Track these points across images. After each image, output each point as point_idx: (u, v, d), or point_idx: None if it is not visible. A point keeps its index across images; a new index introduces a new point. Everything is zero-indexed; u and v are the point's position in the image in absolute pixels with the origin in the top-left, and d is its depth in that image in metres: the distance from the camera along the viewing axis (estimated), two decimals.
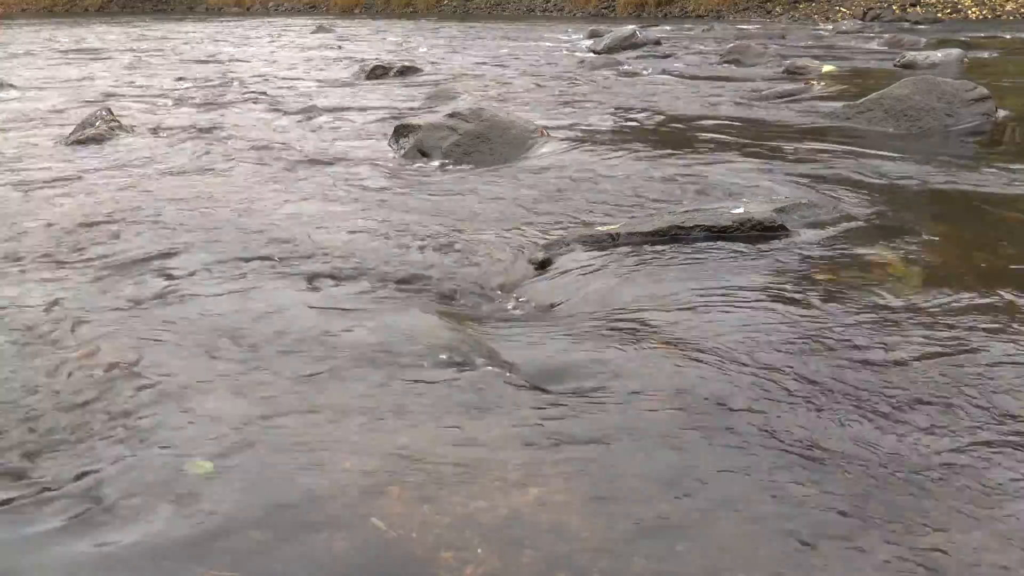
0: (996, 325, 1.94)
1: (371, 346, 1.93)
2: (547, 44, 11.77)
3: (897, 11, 15.76)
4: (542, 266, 2.51)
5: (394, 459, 1.49)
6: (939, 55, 7.52)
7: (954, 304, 2.07)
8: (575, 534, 1.29)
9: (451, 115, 4.19)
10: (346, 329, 2.04)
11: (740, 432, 1.55)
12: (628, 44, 10.02)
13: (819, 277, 2.28)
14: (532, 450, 1.51)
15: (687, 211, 2.72)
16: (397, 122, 4.46)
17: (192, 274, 2.44)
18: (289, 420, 1.62)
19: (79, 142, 4.46)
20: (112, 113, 4.88)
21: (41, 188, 3.54)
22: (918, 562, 1.22)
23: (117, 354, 1.89)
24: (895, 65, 7.63)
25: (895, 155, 3.78)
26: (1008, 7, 15.19)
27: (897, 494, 1.36)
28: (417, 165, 3.90)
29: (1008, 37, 11.19)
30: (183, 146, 4.46)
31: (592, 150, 4.04)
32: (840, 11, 16.60)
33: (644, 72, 7.77)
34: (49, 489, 1.43)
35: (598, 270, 2.41)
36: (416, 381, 1.77)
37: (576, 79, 7.32)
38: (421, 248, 2.68)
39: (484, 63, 9.06)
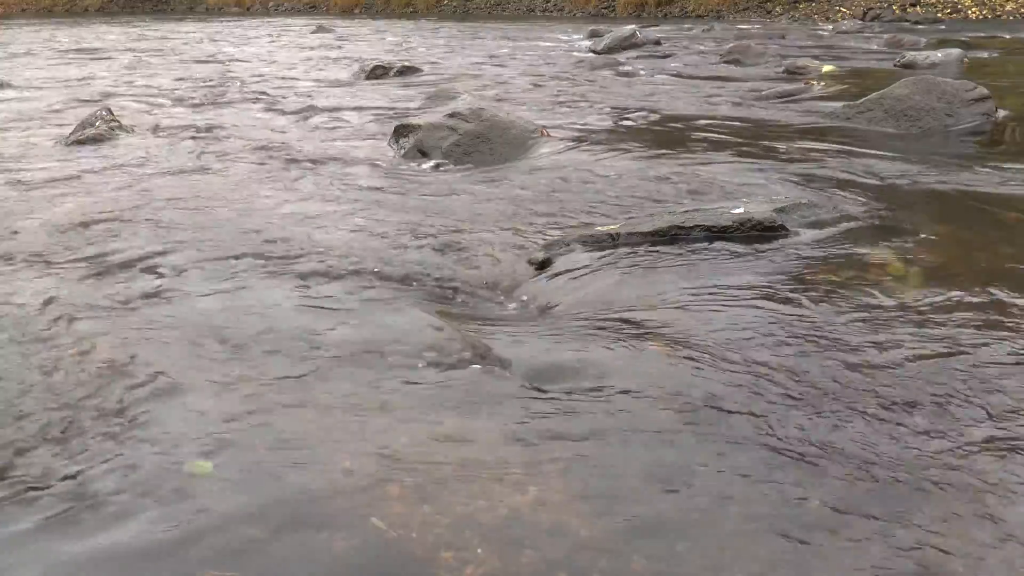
0: (996, 325, 1.94)
1: (370, 346, 1.93)
2: (547, 44, 11.76)
3: (897, 11, 15.76)
4: (542, 266, 2.51)
5: (394, 459, 1.49)
6: (939, 55, 7.52)
7: (954, 304, 2.07)
8: (575, 533, 1.29)
9: (451, 115, 4.19)
10: (345, 329, 2.04)
11: (740, 432, 1.55)
12: (628, 44, 10.02)
13: (819, 277, 2.28)
14: (532, 450, 1.51)
15: (687, 211, 2.72)
16: (397, 122, 4.46)
17: (191, 274, 2.44)
18: (288, 420, 1.62)
19: (79, 142, 4.46)
20: (112, 113, 4.88)
21: (41, 188, 3.54)
22: (915, 560, 1.22)
23: (116, 354, 1.89)
24: (895, 65, 7.63)
25: (895, 155, 3.78)
26: (1008, 7, 15.19)
27: (895, 493, 1.36)
28: (417, 165, 3.90)
29: (1008, 37, 11.19)
30: (183, 146, 4.46)
31: (592, 150, 4.04)
32: (840, 11, 16.60)
33: (644, 72, 7.76)
34: (48, 489, 1.43)
35: (598, 270, 2.41)
36: (416, 381, 1.77)
37: (576, 79, 7.31)
38: (421, 248, 2.68)
39: (484, 63, 9.06)
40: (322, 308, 2.18)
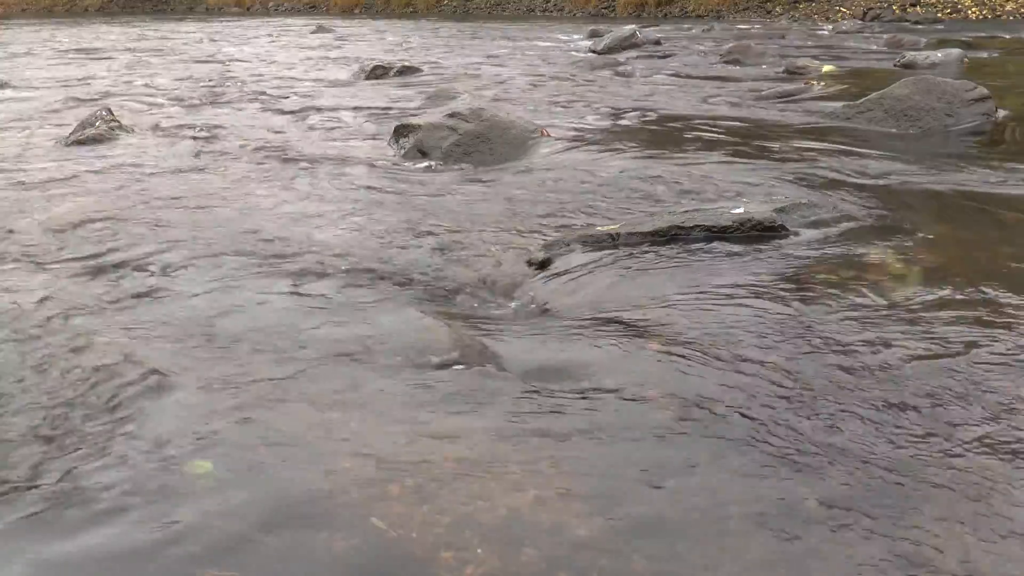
0: (996, 325, 1.94)
1: (369, 346, 1.93)
2: (547, 44, 11.76)
3: (897, 11, 15.75)
4: (542, 266, 2.51)
5: (394, 458, 1.49)
6: (939, 55, 7.52)
7: (954, 304, 2.07)
8: (574, 533, 1.29)
9: (451, 115, 4.19)
10: (344, 328, 2.04)
11: (740, 431, 1.55)
12: (628, 44, 10.01)
13: (819, 277, 2.28)
14: (532, 449, 1.51)
15: (687, 211, 2.72)
16: (397, 122, 4.46)
17: (189, 274, 2.44)
18: (287, 420, 1.62)
19: (79, 142, 4.46)
20: (112, 113, 4.88)
21: (40, 188, 3.54)
22: (913, 559, 1.22)
23: (115, 353, 1.89)
24: (895, 65, 7.63)
25: (895, 155, 3.78)
26: (1008, 7, 15.18)
27: (893, 493, 1.36)
28: (417, 165, 3.90)
29: (1008, 37, 11.19)
30: (183, 146, 4.46)
31: (592, 150, 4.04)
32: (840, 11, 16.59)
33: (644, 72, 7.76)
34: (46, 488, 1.43)
35: (598, 270, 2.41)
36: (415, 381, 1.77)
37: (576, 79, 7.32)
38: (421, 248, 2.68)
39: (484, 63, 9.06)
40: (321, 308, 2.18)
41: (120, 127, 4.74)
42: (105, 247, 2.70)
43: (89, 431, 1.59)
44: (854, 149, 3.92)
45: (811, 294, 2.16)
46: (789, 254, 2.46)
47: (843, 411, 1.60)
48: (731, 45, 9.14)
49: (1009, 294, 2.12)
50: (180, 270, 2.48)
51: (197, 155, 4.23)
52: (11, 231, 2.90)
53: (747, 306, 2.10)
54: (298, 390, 1.74)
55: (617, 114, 5.25)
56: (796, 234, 2.62)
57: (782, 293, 2.17)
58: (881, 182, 3.32)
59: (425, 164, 3.90)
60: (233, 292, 2.30)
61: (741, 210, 2.66)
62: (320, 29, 15.65)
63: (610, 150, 4.05)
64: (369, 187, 3.50)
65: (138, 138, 4.68)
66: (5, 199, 3.36)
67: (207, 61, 9.91)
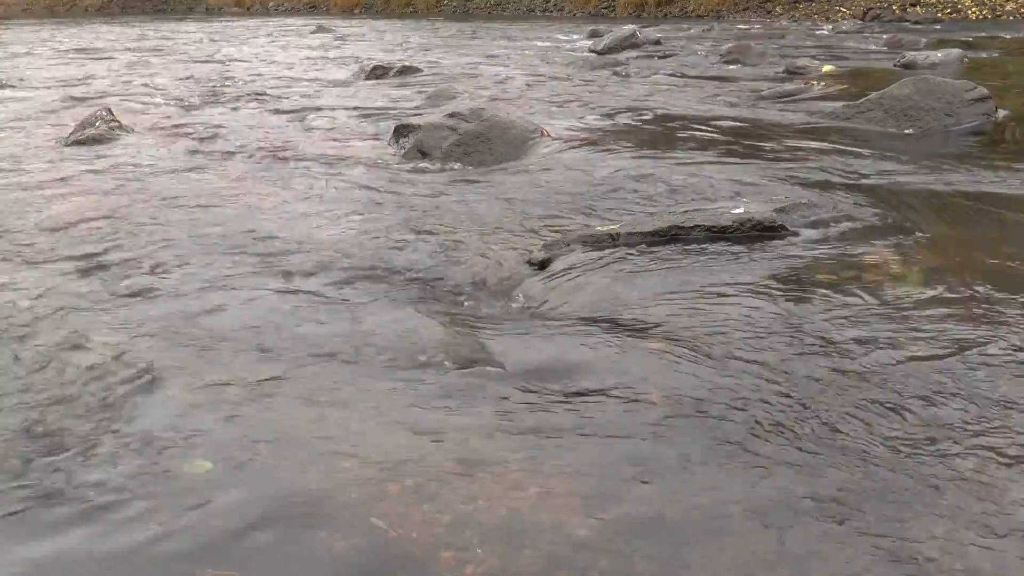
0: (996, 325, 1.94)
1: (369, 345, 1.93)
2: (547, 44, 11.77)
3: (897, 11, 15.76)
4: (542, 266, 2.51)
5: (393, 458, 1.49)
6: (939, 55, 7.52)
7: (954, 304, 2.07)
8: (574, 532, 1.29)
9: (451, 115, 4.19)
10: (345, 328, 2.04)
11: (739, 431, 1.55)
12: (628, 44, 10.01)
13: (819, 277, 2.28)
14: (532, 449, 1.51)
15: (687, 211, 2.72)
16: (397, 122, 4.46)
17: (188, 273, 2.44)
18: (286, 420, 1.63)
19: (79, 142, 4.46)
20: (112, 113, 4.88)
21: (40, 188, 3.54)
22: (913, 558, 1.22)
23: (116, 352, 1.89)
24: (895, 65, 7.63)
25: (895, 155, 3.78)
26: (1008, 7, 15.19)
27: (893, 492, 1.36)
28: (417, 165, 3.90)
29: (1008, 37, 11.19)
30: (182, 146, 4.46)
31: (592, 150, 4.04)
32: (840, 11, 16.59)
33: (644, 72, 7.76)
34: (46, 488, 1.43)
35: (598, 270, 2.41)
36: (415, 380, 1.77)
37: (576, 79, 7.31)
38: (420, 248, 2.68)
39: (484, 63, 9.06)
40: (321, 307, 2.18)
41: (120, 127, 4.74)
42: (104, 247, 2.70)
43: (88, 430, 1.59)
44: (854, 149, 3.92)
45: (811, 294, 2.16)
46: (789, 254, 2.46)
47: (843, 411, 1.60)
48: (731, 45, 9.14)
49: (1009, 294, 2.12)
50: (179, 270, 2.48)
51: (197, 155, 4.23)
52: (10, 231, 2.90)
53: (747, 306, 2.10)
54: (298, 389, 1.74)
55: (617, 114, 5.24)
56: (796, 234, 2.62)
57: (782, 293, 2.17)
58: (881, 182, 3.32)
59: (425, 164, 3.90)
60: (233, 292, 2.30)
61: (741, 210, 2.66)
62: (320, 29, 15.65)
63: (610, 150, 4.05)
64: (369, 187, 3.50)
65: (138, 138, 4.68)
66: (5, 199, 3.36)
67: (207, 61, 9.91)
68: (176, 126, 5.10)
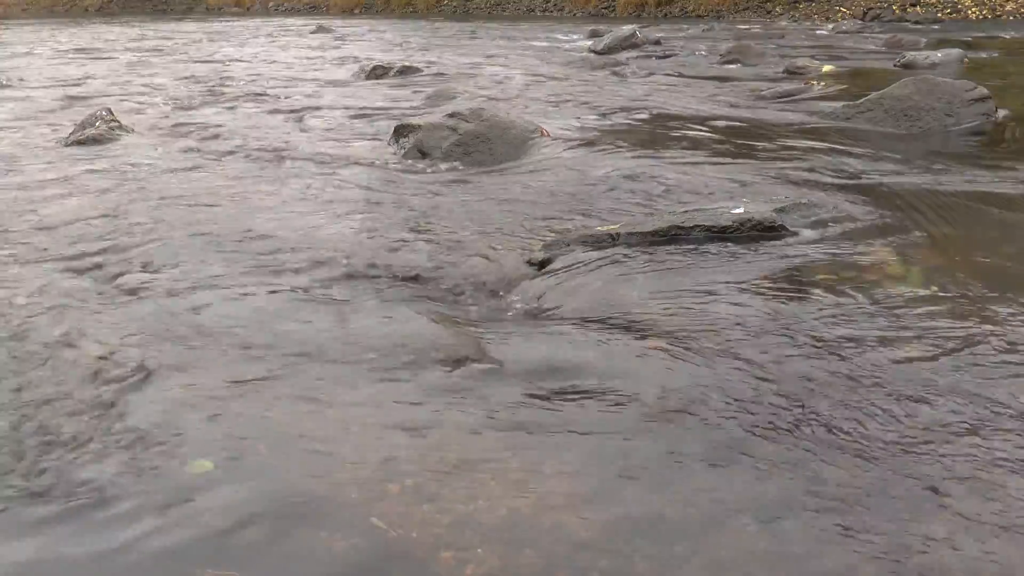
0: (996, 325, 1.94)
1: (368, 346, 1.93)
2: (547, 44, 11.77)
3: (897, 11, 15.76)
4: (542, 266, 2.51)
5: (393, 458, 1.49)
6: (939, 55, 7.52)
7: (953, 304, 2.07)
8: (574, 532, 1.29)
9: (451, 115, 4.19)
10: (343, 329, 2.04)
11: (738, 431, 1.55)
12: (628, 44, 10.01)
13: (819, 277, 2.28)
14: (531, 448, 1.51)
15: (687, 211, 2.72)
16: (397, 122, 4.46)
17: (189, 273, 2.44)
18: (287, 420, 1.63)
19: (79, 142, 4.46)
20: (112, 113, 4.88)
21: (40, 188, 3.54)
22: (914, 557, 1.22)
23: (115, 351, 1.89)
24: (895, 65, 7.63)
25: (895, 155, 3.78)
26: (1008, 7, 15.18)
27: (893, 492, 1.36)
28: (417, 165, 3.90)
29: (1008, 37, 11.19)
30: (182, 146, 4.46)
31: (592, 150, 4.04)
32: (840, 11, 16.59)
33: (643, 72, 7.76)
34: (45, 488, 1.43)
35: (598, 270, 2.41)
36: (415, 380, 1.77)
37: (576, 79, 7.32)
38: (420, 247, 2.68)
39: (484, 63, 9.06)
40: (321, 307, 2.18)
41: (120, 127, 4.74)
42: (104, 247, 2.70)
43: (87, 429, 1.59)
44: (854, 149, 3.92)
45: (811, 294, 2.16)
46: (789, 254, 2.46)
47: (843, 411, 1.60)
48: (731, 45, 9.14)
49: (1009, 294, 2.12)
50: (179, 269, 2.48)
51: (196, 155, 4.23)
52: (10, 230, 2.90)
53: (747, 306, 2.10)
54: (298, 389, 1.74)
55: (617, 114, 5.25)
56: (796, 234, 2.62)
57: (782, 293, 2.17)
58: (881, 182, 3.32)
59: (425, 164, 3.90)
60: (232, 291, 2.30)
61: (741, 210, 2.66)
62: (320, 29, 15.65)
63: (610, 150, 4.05)
64: (368, 187, 3.50)
65: (138, 138, 4.68)
66: (4, 199, 3.36)
67: (207, 61, 9.91)
68: (176, 126, 5.10)
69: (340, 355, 1.89)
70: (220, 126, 5.07)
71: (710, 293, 2.19)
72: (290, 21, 20.79)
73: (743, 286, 2.22)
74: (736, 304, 2.11)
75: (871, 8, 15.97)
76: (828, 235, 2.64)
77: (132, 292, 2.31)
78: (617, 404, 1.66)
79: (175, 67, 9.09)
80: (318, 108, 5.76)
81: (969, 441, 1.50)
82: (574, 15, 20.60)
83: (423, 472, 1.45)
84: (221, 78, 7.87)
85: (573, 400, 1.68)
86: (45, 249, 2.69)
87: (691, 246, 2.52)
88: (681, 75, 7.46)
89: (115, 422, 1.61)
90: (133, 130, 4.85)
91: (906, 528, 1.28)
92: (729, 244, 2.52)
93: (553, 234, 2.78)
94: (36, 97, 6.57)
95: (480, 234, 2.82)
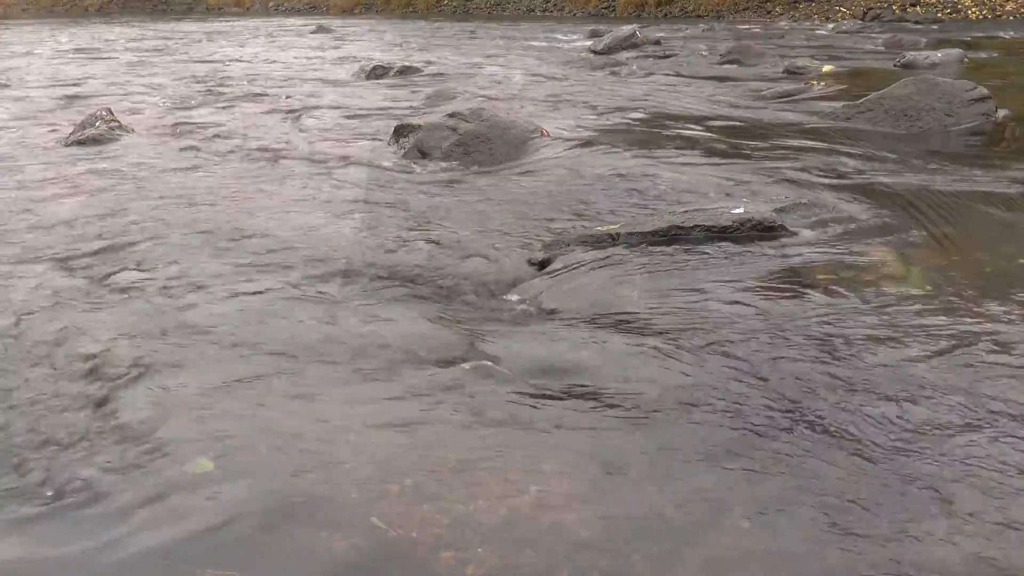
0: (996, 325, 1.94)
1: (367, 345, 1.93)
2: (547, 44, 11.77)
3: (897, 11, 15.75)
4: (542, 266, 2.51)
5: (393, 457, 1.49)
6: (939, 55, 7.52)
7: (953, 304, 2.07)
8: (574, 531, 1.29)
9: (451, 115, 4.19)
10: (343, 329, 2.04)
11: (740, 430, 1.55)
12: (628, 44, 10.01)
13: (819, 277, 2.28)
14: (531, 448, 1.52)
15: (687, 211, 2.72)
16: (397, 122, 4.46)
17: (188, 273, 2.44)
18: (287, 419, 1.63)
19: (79, 142, 4.46)
20: (112, 113, 4.88)
21: (40, 188, 3.54)
22: (915, 557, 1.22)
23: (118, 353, 1.89)
24: (895, 65, 7.63)
25: (895, 155, 3.78)
26: (1008, 7, 15.18)
27: (893, 492, 1.36)
28: (417, 165, 3.90)
29: (1008, 37, 11.19)
30: (182, 146, 4.46)
31: (592, 150, 4.04)
32: (840, 11, 16.59)
33: (643, 72, 7.76)
34: (44, 488, 1.43)
35: (598, 269, 2.42)
36: (413, 380, 1.77)
37: (576, 79, 7.32)
38: (419, 247, 2.68)
39: (484, 63, 9.06)
40: (321, 307, 2.18)
41: (120, 127, 4.74)
42: (103, 246, 2.70)
43: (85, 429, 1.59)
44: (854, 149, 3.92)
45: (811, 294, 2.16)
46: (789, 254, 2.46)
47: (843, 410, 1.60)
48: (731, 45, 9.14)
49: (1009, 294, 2.12)
50: (178, 269, 2.48)
51: (196, 155, 4.23)
52: (9, 230, 2.90)
53: (746, 306, 2.10)
54: (298, 388, 1.74)
55: (617, 114, 5.25)
56: (796, 234, 2.62)
57: (782, 293, 2.17)
58: (881, 182, 3.32)
59: (425, 164, 3.90)
60: (232, 291, 2.30)
61: (741, 210, 2.66)
62: (320, 29, 15.65)
63: (610, 150, 4.05)
64: (368, 187, 3.50)
65: (138, 138, 4.68)
66: (4, 199, 3.36)
67: (207, 61, 9.91)
68: (176, 126, 5.10)
69: (340, 355, 1.89)
70: (220, 126, 5.07)
71: (710, 293, 2.19)
72: (290, 21, 20.79)
73: (743, 286, 2.22)
74: (736, 304, 2.11)
75: (871, 8, 15.97)
76: (828, 235, 2.64)
77: (130, 291, 2.31)
78: (617, 403, 1.66)
79: (175, 67, 9.09)
80: (318, 108, 5.76)
81: (968, 440, 1.50)
82: (574, 15, 20.60)
83: (423, 472, 1.45)
84: (221, 78, 7.87)
85: (573, 400, 1.68)
86: (45, 248, 2.70)
87: (691, 246, 2.52)
88: (681, 75, 7.46)
89: (113, 421, 1.61)
90: (133, 130, 4.85)
91: (905, 527, 1.29)
92: (729, 244, 2.52)
93: (553, 234, 2.78)
94: (36, 97, 6.57)
95: (480, 234, 2.82)
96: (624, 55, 9.45)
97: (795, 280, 2.26)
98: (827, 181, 3.32)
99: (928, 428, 1.54)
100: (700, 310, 2.10)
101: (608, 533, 1.29)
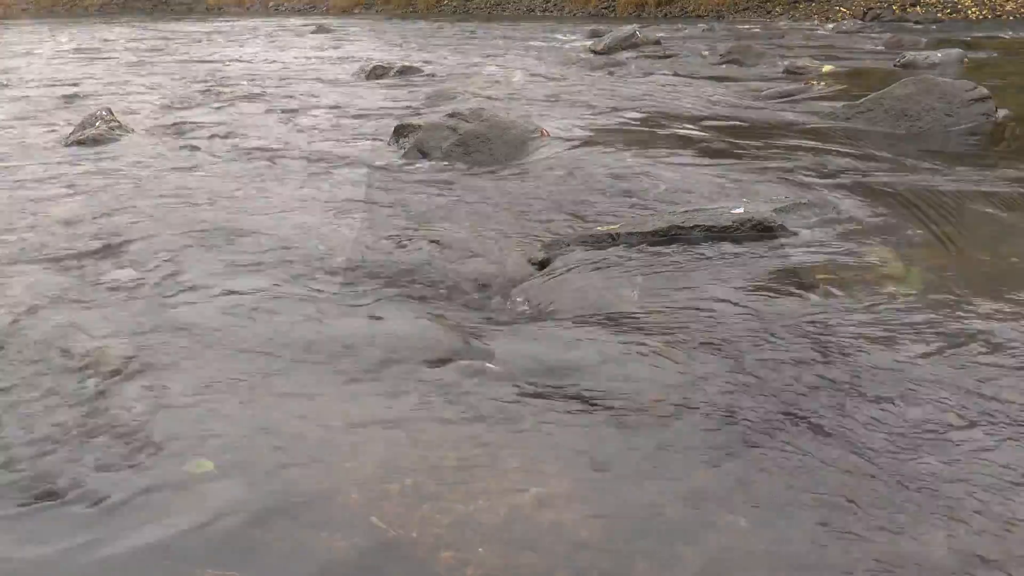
0: (995, 325, 1.94)
1: (367, 345, 1.93)
2: (547, 44, 11.77)
3: (897, 11, 15.75)
4: (542, 265, 2.51)
5: (393, 457, 1.49)
6: (939, 55, 7.52)
7: (953, 304, 2.08)
8: (573, 531, 1.29)
9: (451, 115, 4.20)
10: (343, 329, 2.04)
11: (740, 430, 1.55)
12: (628, 44, 10.01)
13: (818, 277, 2.28)
14: (532, 448, 1.52)
15: (687, 211, 2.72)
16: (397, 122, 4.46)
17: (187, 273, 2.44)
18: (287, 419, 1.63)
19: (79, 142, 4.46)
20: (112, 113, 4.88)
21: (40, 188, 3.54)
22: (911, 556, 1.22)
23: (117, 353, 1.89)
24: (895, 65, 7.63)
25: (895, 155, 3.78)
26: (1008, 7, 15.18)
27: (893, 492, 1.36)
28: (417, 165, 3.90)
29: (1008, 37, 11.20)
30: (182, 146, 4.46)
31: (592, 150, 4.04)
32: (840, 11, 16.59)
33: (643, 72, 7.76)
34: (43, 488, 1.43)
35: (598, 269, 2.42)
36: (413, 380, 1.77)
37: (576, 79, 7.32)
38: (420, 247, 2.68)
39: (484, 63, 9.06)
40: (320, 306, 2.18)
41: (120, 127, 4.74)
42: (103, 246, 2.70)
43: (83, 428, 1.59)
44: (854, 149, 3.92)
45: (810, 294, 2.16)
46: (789, 254, 2.46)
47: (843, 410, 1.61)
48: (731, 45, 9.14)
49: (1008, 294, 2.12)
50: (177, 269, 2.48)
51: (196, 155, 4.23)
52: (9, 230, 2.90)
53: (746, 306, 2.10)
54: (298, 388, 1.74)
55: (617, 114, 5.25)
56: (796, 234, 2.62)
57: (781, 293, 2.17)
58: (880, 182, 3.32)
59: (425, 164, 3.90)
60: (231, 291, 2.30)
61: (741, 210, 2.66)
62: (320, 29, 15.65)
63: (609, 150, 4.05)
64: (369, 187, 3.50)
65: (138, 138, 4.68)
66: (4, 199, 3.37)
67: (207, 61, 9.91)
68: (176, 126, 5.10)
69: (340, 354, 1.89)
70: (220, 126, 5.07)
71: (710, 293, 2.19)
72: (290, 21, 20.79)
73: (742, 286, 2.22)
74: (735, 304, 2.11)
75: (871, 8, 15.97)
76: (827, 235, 2.64)
77: (129, 290, 2.31)
78: (617, 403, 1.66)
79: (175, 67, 9.09)
80: (318, 108, 5.76)
81: (968, 440, 1.50)
82: (574, 15, 20.60)
83: (423, 472, 1.45)
84: (221, 78, 7.87)
85: (573, 399, 1.68)
86: (45, 248, 2.70)
87: (691, 246, 2.52)
88: (681, 75, 7.46)
89: (113, 420, 1.61)
90: (133, 130, 4.85)
91: (904, 527, 1.29)
92: (729, 244, 2.52)
93: (553, 234, 2.78)
94: (36, 97, 6.57)
95: (480, 234, 2.82)
96: (624, 55, 9.45)
97: (795, 280, 2.26)
98: (827, 181, 3.32)
99: (928, 428, 1.54)
100: (700, 310, 2.10)
101: (608, 533, 1.29)
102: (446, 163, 3.87)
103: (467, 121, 4.07)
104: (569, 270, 2.43)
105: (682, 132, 4.59)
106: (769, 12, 17.70)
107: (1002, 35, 11.53)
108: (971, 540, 1.26)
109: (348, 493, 1.39)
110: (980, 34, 11.56)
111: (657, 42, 10.44)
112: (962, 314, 2.01)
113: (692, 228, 2.59)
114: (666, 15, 18.94)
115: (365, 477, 1.44)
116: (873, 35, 11.76)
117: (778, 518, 1.32)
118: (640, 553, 1.25)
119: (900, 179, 3.37)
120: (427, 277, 2.44)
